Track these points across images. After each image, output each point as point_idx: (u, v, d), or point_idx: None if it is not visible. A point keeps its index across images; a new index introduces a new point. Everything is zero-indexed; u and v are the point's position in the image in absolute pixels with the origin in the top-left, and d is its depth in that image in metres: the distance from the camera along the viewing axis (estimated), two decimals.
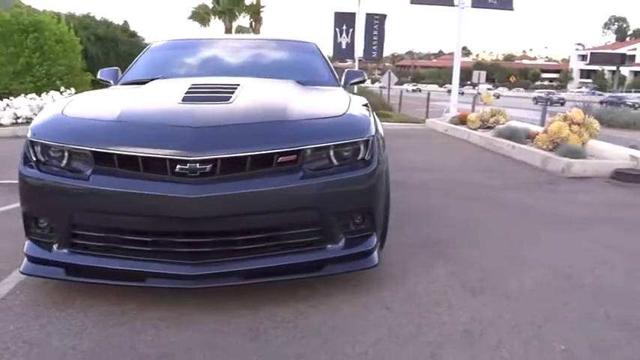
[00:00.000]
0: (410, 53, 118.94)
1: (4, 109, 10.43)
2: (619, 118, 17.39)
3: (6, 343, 2.26)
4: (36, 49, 14.37)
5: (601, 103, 33.18)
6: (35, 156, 2.64)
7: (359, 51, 22.13)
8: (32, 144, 2.65)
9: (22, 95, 11.33)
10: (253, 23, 29.86)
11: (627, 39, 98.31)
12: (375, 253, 2.80)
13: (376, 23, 22.26)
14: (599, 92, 55.99)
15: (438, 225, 4.16)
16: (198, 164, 2.41)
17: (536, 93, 43.94)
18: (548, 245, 3.76)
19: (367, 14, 22.23)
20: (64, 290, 2.73)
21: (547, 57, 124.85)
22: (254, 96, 3.05)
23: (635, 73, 76.68)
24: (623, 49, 78.14)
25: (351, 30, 22.15)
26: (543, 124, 9.43)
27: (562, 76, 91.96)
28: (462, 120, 10.96)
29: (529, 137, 7.98)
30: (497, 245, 3.71)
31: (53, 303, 2.62)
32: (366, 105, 3.18)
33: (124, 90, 3.55)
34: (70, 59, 15.38)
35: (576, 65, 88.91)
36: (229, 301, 2.64)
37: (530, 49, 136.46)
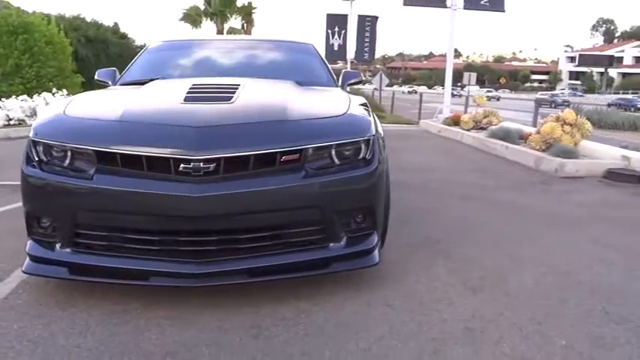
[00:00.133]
0: (400, 55, 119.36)
1: None
2: (608, 119, 17.61)
3: (11, 342, 2.26)
4: (25, 51, 14.25)
5: (609, 105, 33.13)
6: (38, 155, 2.63)
7: (351, 52, 22.21)
8: (35, 144, 2.65)
9: (14, 97, 11.24)
10: (245, 25, 29.86)
11: (615, 41, 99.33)
12: (376, 252, 2.83)
13: (368, 25, 22.35)
14: (580, 93, 56.60)
15: (436, 224, 4.19)
16: (202, 163, 2.43)
17: (538, 95, 42.61)
18: (546, 244, 3.80)
19: (359, 16, 22.32)
20: (66, 290, 2.73)
21: (536, 59, 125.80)
22: (255, 96, 3.07)
23: (623, 74, 77.48)
24: (611, 51, 78.97)
25: (343, 32, 22.23)
26: (535, 125, 9.52)
27: (551, 77, 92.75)
28: (455, 121, 11.04)
29: (522, 138, 8.06)
30: (495, 244, 3.75)
31: (56, 302, 2.62)
32: (365, 105, 3.21)
33: (124, 90, 3.55)
34: (60, 61, 15.26)
35: (565, 67, 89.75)
36: (232, 300, 2.65)
37: (520, 51, 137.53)
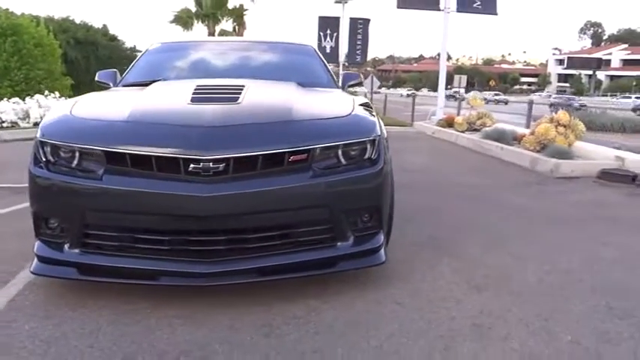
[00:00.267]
0: (391, 58, 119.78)
1: None
2: (597, 121, 17.79)
3: (23, 342, 2.26)
4: (14, 53, 14.04)
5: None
6: (45, 156, 2.63)
7: (343, 55, 22.29)
8: (42, 144, 2.65)
9: (6, 99, 11.15)
10: (236, 27, 29.81)
11: (603, 44, 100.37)
12: (382, 251, 2.85)
13: (360, 27, 22.43)
14: (557, 95, 56.85)
15: (437, 224, 4.23)
16: (211, 163, 2.44)
17: (552, 99, 38.73)
18: (546, 242, 3.85)
19: (351, 19, 22.40)
20: (73, 290, 2.73)
21: (525, 61, 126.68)
22: (260, 97, 3.09)
23: (611, 77, 78.34)
24: (599, 54, 79.80)
25: (335, 34, 22.30)
26: (529, 127, 9.61)
27: (540, 80, 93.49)
28: (448, 123, 11.12)
29: (516, 139, 8.14)
30: (496, 243, 3.79)
31: (65, 303, 2.62)
32: (369, 106, 3.24)
33: (128, 91, 3.55)
34: (49, 63, 15.08)
35: (554, 69, 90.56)
36: (241, 299, 2.67)
37: (509, 54, 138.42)
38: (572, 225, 4.40)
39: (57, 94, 12.49)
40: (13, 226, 3.96)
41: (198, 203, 2.43)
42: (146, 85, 3.51)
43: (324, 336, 2.38)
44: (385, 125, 3.43)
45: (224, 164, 2.46)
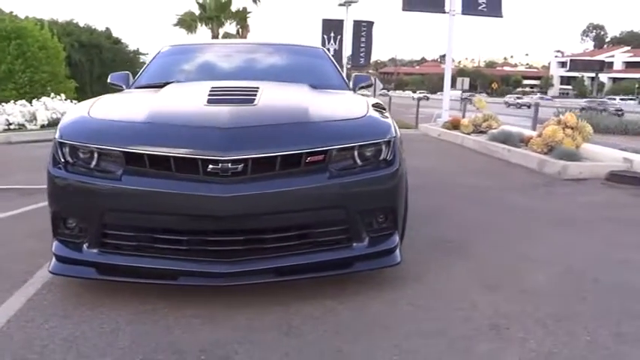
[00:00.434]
0: (393, 60, 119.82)
1: None
2: (601, 124, 17.81)
3: (44, 341, 2.27)
4: (18, 56, 14.13)
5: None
6: (64, 157, 2.65)
7: (346, 58, 22.32)
8: (61, 145, 2.67)
9: (12, 101, 11.20)
10: (240, 30, 29.90)
11: (605, 46, 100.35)
12: (398, 252, 2.86)
13: (364, 30, 22.50)
14: (548, 97, 56.79)
15: (448, 225, 4.24)
16: (230, 164, 2.46)
17: (583, 102, 35.86)
18: (557, 244, 3.85)
19: (355, 21, 22.47)
20: (90, 290, 2.74)
21: (527, 64, 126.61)
22: (276, 98, 3.11)
23: (614, 79, 78.29)
24: (602, 56, 79.81)
25: (339, 37, 22.37)
26: (535, 129, 9.62)
27: (543, 82, 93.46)
28: (454, 125, 11.13)
29: (522, 141, 8.13)
30: (507, 244, 3.80)
31: (82, 303, 2.64)
32: (382, 107, 3.26)
33: (143, 93, 3.57)
34: (53, 66, 15.16)
35: (556, 72, 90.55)
36: (259, 299, 2.68)
37: (511, 56, 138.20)
38: (582, 226, 4.41)
39: (63, 96, 12.54)
40: (26, 227, 3.98)
41: (217, 203, 2.45)
42: (159, 87, 3.53)
43: (343, 336, 2.38)
44: None
45: (242, 165, 2.48)
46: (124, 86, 4.08)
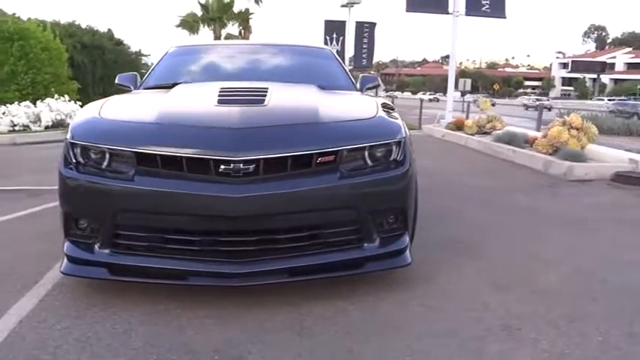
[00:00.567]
0: (394, 61, 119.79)
1: (1, 116, 10.33)
2: (603, 125, 17.76)
3: (57, 341, 2.28)
4: (21, 57, 14.12)
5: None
6: (75, 158, 2.66)
7: (348, 59, 22.34)
8: (72, 146, 2.67)
9: (17, 103, 11.22)
10: (242, 31, 29.95)
11: (607, 47, 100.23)
12: (408, 252, 2.86)
13: (366, 31, 22.54)
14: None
15: (456, 226, 4.24)
16: (241, 164, 2.46)
17: (611, 104, 32.15)
18: (566, 244, 3.85)
19: (357, 22, 22.52)
20: (101, 291, 2.75)
21: (529, 65, 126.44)
22: (285, 99, 3.11)
23: (616, 80, 78.20)
24: (603, 57, 79.71)
25: (341, 38, 22.42)
26: (539, 130, 9.61)
27: (544, 83, 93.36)
28: (457, 126, 11.14)
29: (527, 142, 8.13)
30: (516, 245, 3.80)
31: (94, 304, 2.64)
32: (392, 108, 3.26)
33: (152, 94, 3.58)
34: (55, 67, 15.16)
35: (558, 73, 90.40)
36: (270, 299, 2.68)
37: (513, 57, 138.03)
38: (589, 227, 4.40)
39: (66, 97, 12.55)
40: (34, 228, 3.99)
41: (229, 204, 2.45)
42: (168, 87, 3.54)
43: (355, 336, 2.38)
44: None
45: (254, 165, 2.48)
46: (131, 87, 4.09)
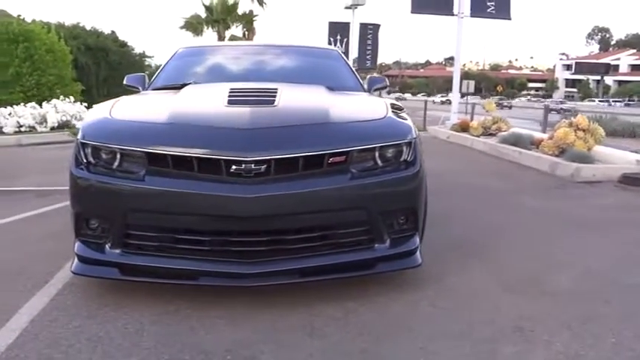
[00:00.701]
0: (397, 63, 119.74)
1: (7, 117, 10.37)
2: (607, 126, 17.70)
3: (69, 340, 2.27)
4: (26, 59, 14.21)
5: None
6: (86, 158, 2.66)
7: (352, 60, 22.34)
8: (83, 146, 2.67)
9: (23, 104, 11.26)
10: (246, 33, 29.97)
11: (610, 49, 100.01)
12: (418, 253, 2.85)
13: (370, 33, 22.48)
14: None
15: (465, 227, 4.23)
16: (253, 165, 2.46)
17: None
18: (576, 246, 3.83)
19: (361, 24, 22.46)
20: (112, 291, 2.74)
21: (532, 67, 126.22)
22: (295, 100, 3.11)
23: (619, 82, 78.00)
24: (607, 59, 79.48)
25: (345, 39, 22.37)
26: (545, 132, 9.59)
27: (548, 85, 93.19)
28: (462, 127, 11.12)
29: (533, 143, 8.10)
30: (525, 246, 3.78)
31: (105, 304, 2.64)
32: (402, 109, 3.25)
33: (162, 94, 3.58)
34: (60, 69, 15.24)
35: (561, 75, 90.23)
36: (281, 300, 2.67)
37: (516, 59, 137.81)
38: (598, 228, 4.38)
39: (72, 98, 12.59)
40: (43, 227, 3.99)
41: (241, 204, 2.45)
42: (176, 88, 3.53)
43: (367, 337, 2.38)
44: None
45: (265, 165, 2.48)
46: (140, 88, 4.09)
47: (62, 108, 11.17)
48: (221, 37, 28.63)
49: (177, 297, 2.67)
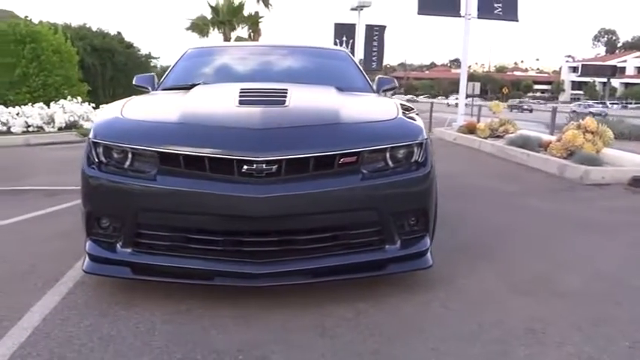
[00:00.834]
0: (402, 65, 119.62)
1: (15, 117, 10.42)
2: (614, 129, 17.62)
3: (81, 339, 2.28)
4: (33, 60, 14.27)
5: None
6: (98, 157, 2.67)
7: (358, 61, 22.34)
8: (95, 145, 2.68)
9: (30, 104, 11.32)
10: (252, 34, 30.02)
11: (617, 51, 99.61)
12: (429, 254, 2.85)
13: (376, 34, 22.49)
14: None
15: (473, 229, 4.22)
16: (264, 165, 2.46)
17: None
18: (585, 248, 3.82)
19: (367, 25, 22.48)
20: (123, 290, 2.75)
21: (538, 69, 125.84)
22: (306, 100, 3.11)
23: (626, 84, 77.67)
24: (613, 61, 79.10)
25: (351, 41, 22.40)
26: (553, 134, 9.56)
27: (554, 87, 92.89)
28: (469, 129, 11.10)
29: (541, 146, 8.07)
30: (534, 248, 3.77)
31: (116, 302, 2.65)
32: (412, 110, 3.25)
33: (172, 94, 3.58)
34: (66, 69, 15.30)
35: (567, 77, 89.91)
36: (292, 300, 2.67)
37: (522, 61, 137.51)
38: (608, 230, 4.36)
39: (79, 99, 12.64)
40: (54, 226, 4.01)
41: (252, 204, 2.45)
42: (186, 88, 3.53)
43: (378, 338, 2.37)
44: None
45: (277, 166, 2.48)
46: (149, 88, 4.10)
47: (70, 108, 11.22)
48: (227, 39, 28.67)
49: (189, 296, 2.68)
